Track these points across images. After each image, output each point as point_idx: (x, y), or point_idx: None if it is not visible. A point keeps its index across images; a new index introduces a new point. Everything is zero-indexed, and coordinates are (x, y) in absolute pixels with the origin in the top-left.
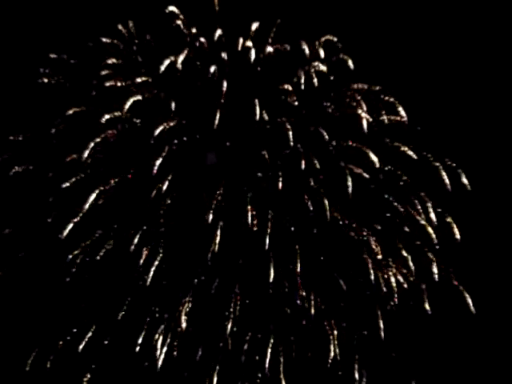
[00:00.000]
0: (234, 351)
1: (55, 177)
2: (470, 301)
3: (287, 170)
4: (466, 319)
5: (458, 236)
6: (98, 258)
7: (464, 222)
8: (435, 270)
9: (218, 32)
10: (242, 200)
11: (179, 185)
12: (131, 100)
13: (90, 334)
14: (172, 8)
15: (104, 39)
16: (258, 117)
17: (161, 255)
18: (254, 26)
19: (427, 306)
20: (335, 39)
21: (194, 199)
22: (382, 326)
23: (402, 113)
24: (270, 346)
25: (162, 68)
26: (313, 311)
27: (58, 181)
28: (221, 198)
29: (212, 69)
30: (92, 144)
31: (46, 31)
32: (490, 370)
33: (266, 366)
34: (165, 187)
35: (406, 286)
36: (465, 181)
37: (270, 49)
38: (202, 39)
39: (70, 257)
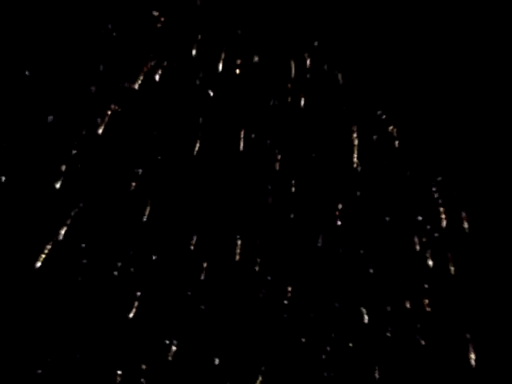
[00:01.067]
0: (225, 374)
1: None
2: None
3: (276, 186)
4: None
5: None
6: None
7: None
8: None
9: (201, 39)
10: (229, 220)
11: (161, 202)
12: (112, 107)
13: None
14: (156, 13)
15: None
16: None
17: (147, 279)
18: (239, 31)
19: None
20: (324, 48)
21: (178, 219)
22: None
23: (394, 132)
24: (263, 364)
25: (137, 85)
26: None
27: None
28: (206, 220)
29: (195, 79)
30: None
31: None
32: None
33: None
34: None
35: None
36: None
37: (256, 58)
38: (185, 45)
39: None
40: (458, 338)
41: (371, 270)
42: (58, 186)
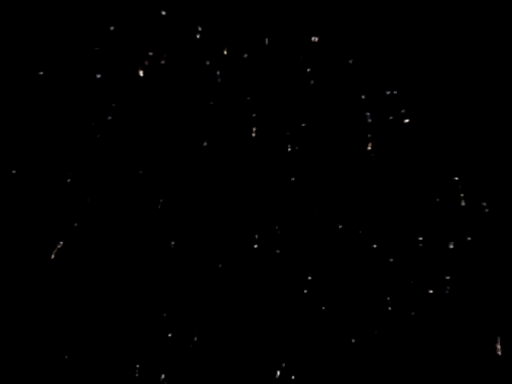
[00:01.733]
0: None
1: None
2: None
3: (288, 178)
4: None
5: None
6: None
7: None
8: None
9: (205, 22)
10: (244, 208)
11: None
12: (116, 100)
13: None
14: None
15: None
16: (254, 133)
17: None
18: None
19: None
20: (334, 32)
21: (192, 209)
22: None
23: (406, 120)
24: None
25: (141, 73)
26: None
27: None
28: (220, 209)
29: (201, 65)
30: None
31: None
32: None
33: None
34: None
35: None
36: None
37: (265, 43)
38: (188, 30)
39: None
40: (482, 327)
41: (391, 259)
42: (68, 178)
